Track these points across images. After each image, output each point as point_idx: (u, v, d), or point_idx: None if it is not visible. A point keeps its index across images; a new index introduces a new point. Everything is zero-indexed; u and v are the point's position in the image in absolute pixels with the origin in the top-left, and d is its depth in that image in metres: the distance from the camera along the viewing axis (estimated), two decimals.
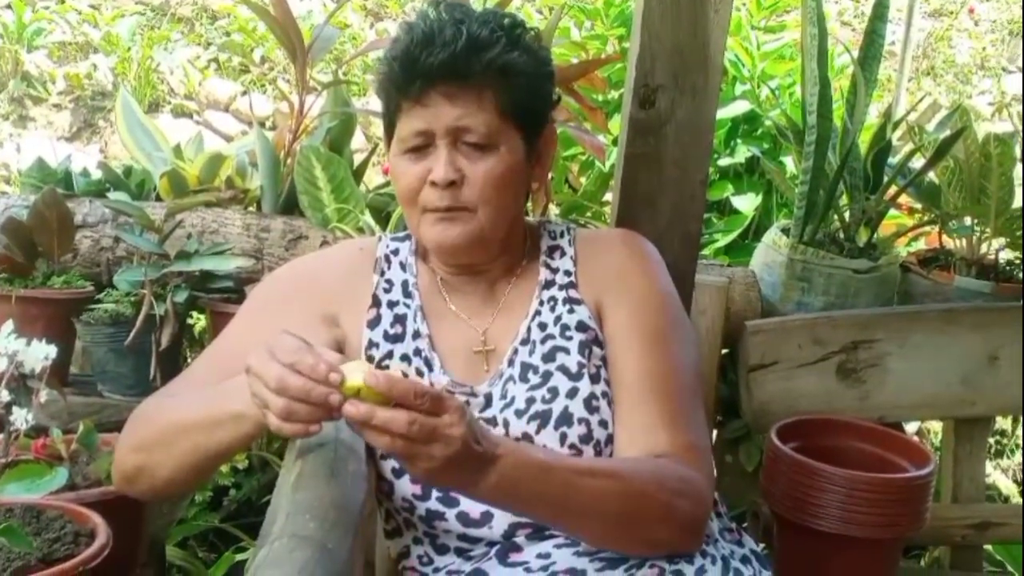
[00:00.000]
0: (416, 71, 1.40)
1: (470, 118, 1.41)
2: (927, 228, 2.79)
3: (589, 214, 2.74)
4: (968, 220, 2.56)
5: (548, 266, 1.57)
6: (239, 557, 2.43)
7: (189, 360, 2.49)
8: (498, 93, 1.42)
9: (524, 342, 1.52)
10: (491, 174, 1.43)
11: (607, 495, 1.29)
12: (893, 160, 2.61)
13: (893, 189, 2.55)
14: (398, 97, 1.44)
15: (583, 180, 3.41)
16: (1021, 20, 6.80)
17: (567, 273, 1.57)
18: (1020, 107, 5.83)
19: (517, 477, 1.22)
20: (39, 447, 1.78)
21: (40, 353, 1.66)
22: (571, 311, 1.53)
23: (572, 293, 1.55)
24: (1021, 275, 2.57)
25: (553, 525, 1.36)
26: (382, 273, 1.58)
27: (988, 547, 2.65)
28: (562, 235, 1.61)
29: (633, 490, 1.31)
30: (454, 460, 1.15)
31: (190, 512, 2.64)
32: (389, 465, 1.48)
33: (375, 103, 1.51)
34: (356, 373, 1.16)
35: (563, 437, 1.43)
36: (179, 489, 1.44)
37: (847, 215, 2.54)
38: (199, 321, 2.68)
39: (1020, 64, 6.65)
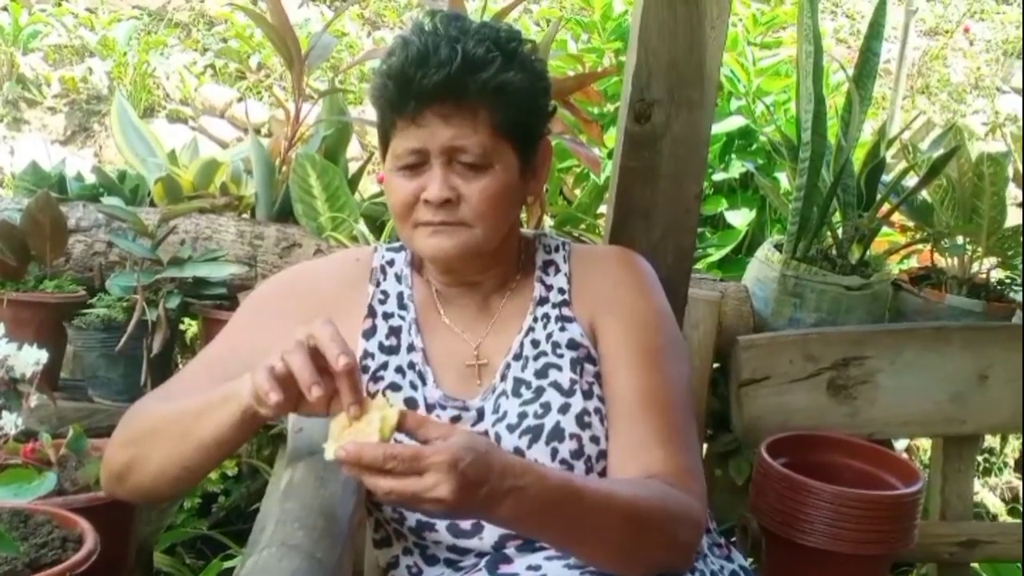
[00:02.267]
0: (411, 91, 1.39)
1: (465, 139, 1.41)
2: (919, 246, 2.79)
3: (583, 226, 2.74)
4: (960, 239, 2.57)
5: (542, 282, 1.57)
6: (227, 565, 2.43)
7: (180, 366, 2.48)
8: (493, 112, 1.41)
9: (517, 357, 1.52)
10: (486, 192, 1.43)
11: (621, 526, 1.28)
12: (887, 178, 2.61)
13: (886, 207, 2.56)
14: (393, 115, 1.44)
15: (578, 192, 3.42)
16: (1019, 39, 6.83)
17: (561, 291, 1.56)
18: (1014, 127, 5.85)
19: (533, 510, 1.21)
20: (28, 451, 1.78)
21: (31, 357, 1.65)
22: (563, 329, 1.52)
23: (565, 311, 1.54)
24: (1016, 294, 2.57)
25: (557, 549, 1.35)
26: (378, 284, 1.58)
27: (975, 565, 2.65)
28: (557, 250, 1.61)
29: (645, 523, 1.30)
30: (454, 509, 1.14)
31: (178, 519, 2.63)
32: None
33: (371, 112, 1.51)
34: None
35: (554, 452, 1.43)
36: (167, 488, 1.43)
37: (840, 232, 2.55)
38: (191, 327, 2.68)
39: (1015, 84, 6.68)
